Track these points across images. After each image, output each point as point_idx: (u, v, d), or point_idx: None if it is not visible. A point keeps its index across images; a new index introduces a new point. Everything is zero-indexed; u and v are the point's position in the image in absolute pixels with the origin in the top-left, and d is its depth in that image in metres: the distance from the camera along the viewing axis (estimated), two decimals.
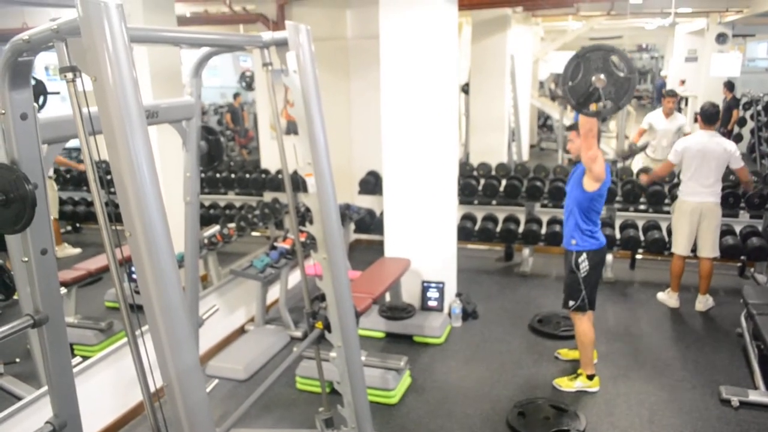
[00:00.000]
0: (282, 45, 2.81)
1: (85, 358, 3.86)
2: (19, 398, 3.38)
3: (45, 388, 3.20)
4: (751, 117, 12.14)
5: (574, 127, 4.17)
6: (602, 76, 3.58)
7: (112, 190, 1.70)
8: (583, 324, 4.29)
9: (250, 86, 11.60)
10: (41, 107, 3.56)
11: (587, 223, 4.12)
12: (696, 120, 6.36)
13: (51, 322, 2.11)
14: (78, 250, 6.77)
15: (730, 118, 11.77)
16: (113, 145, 1.62)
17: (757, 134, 11.40)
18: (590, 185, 4.00)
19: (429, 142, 5.06)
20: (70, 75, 1.69)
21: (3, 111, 1.90)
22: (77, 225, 7.82)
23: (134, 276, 1.72)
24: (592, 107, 3.64)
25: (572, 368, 4.50)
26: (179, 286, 1.76)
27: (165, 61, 4.78)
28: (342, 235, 3.10)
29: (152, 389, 1.81)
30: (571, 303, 4.27)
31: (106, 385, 3.88)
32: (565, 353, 4.77)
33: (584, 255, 4.15)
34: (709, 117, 5.36)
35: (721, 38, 12.57)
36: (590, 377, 4.31)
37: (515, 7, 8.96)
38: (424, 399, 4.25)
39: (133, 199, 1.64)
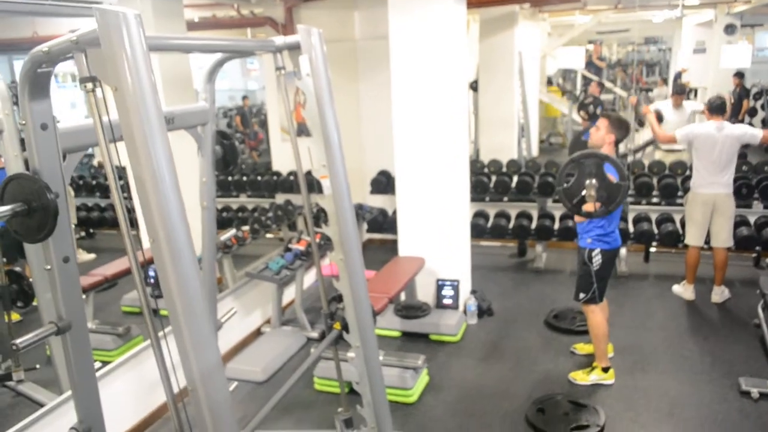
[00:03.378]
0: (294, 49, 2.82)
1: (103, 363, 3.89)
2: (41, 405, 3.40)
3: (66, 394, 3.25)
4: (762, 107, 12.09)
5: (606, 116, 4.26)
6: (594, 181, 3.79)
7: (125, 195, 1.73)
8: (596, 316, 4.29)
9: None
10: None
11: (604, 227, 4.12)
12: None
13: (74, 329, 2.13)
14: (92, 256, 6.81)
15: (741, 108, 11.72)
16: (135, 153, 1.63)
17: None
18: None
19: (440, 141, 5.07)
20: (89, 85, 1.71)
21: (24, 122, 1.92)
22: (90, 231, 7.86)
23: (151, 280, 1.74)
24: (586, 207, 3.88)
25: (588, 362, 4.50)
26: (201, 290, 1.78)
27: (176, 67, 4.81)
28: (358, 235, 3.11)
29: (175, 390, 1.83)
30: (581, 295, 4.28)
31: (127, 389, 3.91)
32: (581, 348, 4.77)
33: (598, 250, 4.15)
34: (716, 108, 5.36)
35: (729, 29, 12.51)
36: (605, 370, 4.32)
37: (522, 4, 8.93)
38: (442, 397, 4.26)
39: (155, 206, 1.65)
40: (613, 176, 3.83)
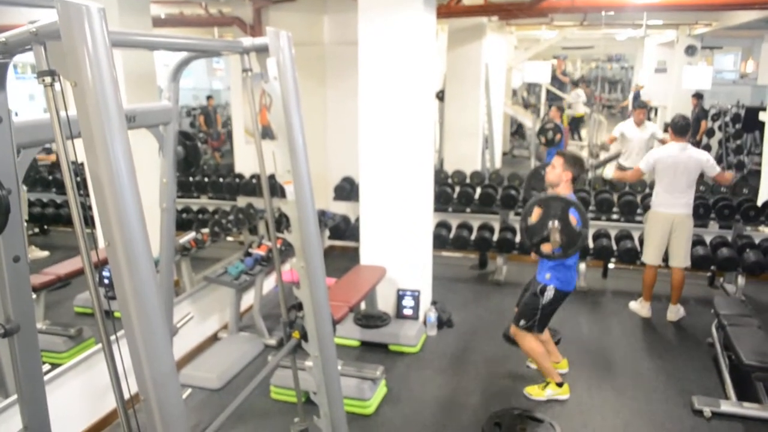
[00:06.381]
0: (262, 51, 2.77)
1: (53, 365, 3.77)
2: None
3: (12, 398, 3.13)
4: (719, 128, 12.37)
5: (561, 154, 4.27)
6: (557, 224, 3.84)
7: (81, 192, 1.67)
8: (526, 339, 4.29)
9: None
10: None
11: (564, 265, 4.13)
12: (666, 131, 6.47)
13: (22, 332, 2.04)
14: (46, 253, 6.63)
15: (699, 128, 11.97)
16: (93, 152, 1.56)
17: (724, 145, 11.62)
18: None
19: (406, 149, 5.05)
20: (48, 79, 1.63)
21: None
22: (45, 227, 7.66)
23: (105, 281, 1.67)
24: (544, 248, 3.95)
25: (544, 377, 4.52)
26: (157, 295, 1.72)
27: (140, 63, 4.71)
28: (320, 243, 3.07)
29: (126, 397, 1.76)
30: (522, 322, 4.26)
31: (77, 393, 3.80)
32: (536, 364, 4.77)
33: (552, 287, 4.16)
34: (680, 129, 5.43)
35: (690, 50, 12.80)
36: (559, 384, 4.33)
37: (491, 16, 8.99)
38: (400, 409, 4.22)
39: (112, 207, 1.58)
40: (575, 220, 3.87)
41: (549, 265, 4.15)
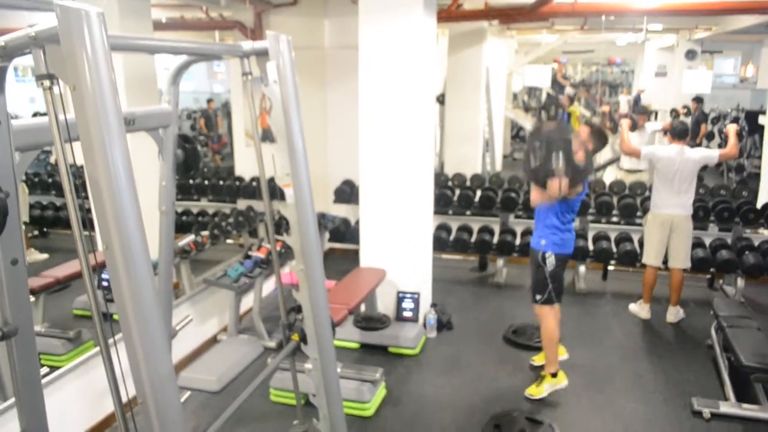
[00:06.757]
0: (262, 55, 2.77)
1: (52, 368, 3.76)
2: None
3: (10, 401, 3.13)
4: (719, 132, 12.39)
5: (590, 125, 4.38)
6: (561, 161, 3.82)
7: (79, 195, 1.67)
8: (549, 321, 4.33)
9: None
10: None
11: (560, 225, 4.18)
12: (665, 134, 6.50)
13: (21, 334, 2.04)
14: (45, 256, 6.63)
15: (699, 132, 11.99)
16: (91, 155, 1.57)
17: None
18: (571, 193, 4.08)
19: (406, 152, 5.06)
20: (47, 83, 1.64)
21: None
22: (44, 230, 7.66)
23: (104, 283, 1.67)
24: (551, 184, 3.93)
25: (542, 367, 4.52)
26: (155, 299, 1.72)
27: (141, 66, 4.72)
28: (320, 246, 3.07)
29: (124, 400, 1.76)
30: (538, 297, 4.32)
31: (75, 396, 3.79)
32: (540, 359, 4.77)
33: (551, 252, 4.21)
34: (678, 133, 5.49)
35: (690, 54, 12.82)
36: (554, 375, 4.34)
37: (491, 21, 9.01)
38: (400, 411, 4.22)
39: (110, 211, 1.59)
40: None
41: (542, 228, 4.21)
